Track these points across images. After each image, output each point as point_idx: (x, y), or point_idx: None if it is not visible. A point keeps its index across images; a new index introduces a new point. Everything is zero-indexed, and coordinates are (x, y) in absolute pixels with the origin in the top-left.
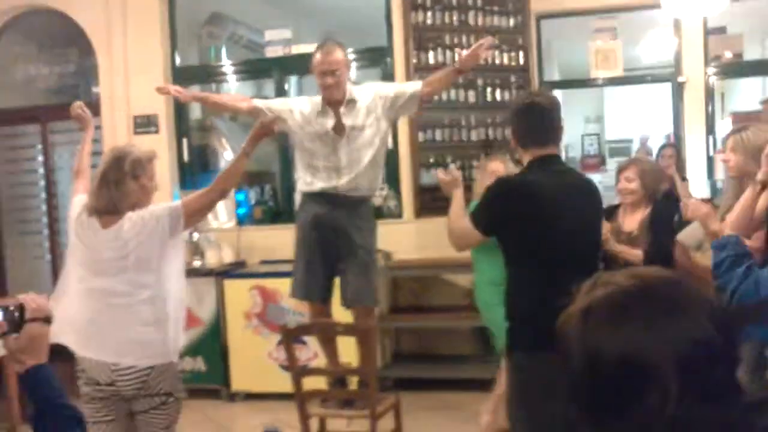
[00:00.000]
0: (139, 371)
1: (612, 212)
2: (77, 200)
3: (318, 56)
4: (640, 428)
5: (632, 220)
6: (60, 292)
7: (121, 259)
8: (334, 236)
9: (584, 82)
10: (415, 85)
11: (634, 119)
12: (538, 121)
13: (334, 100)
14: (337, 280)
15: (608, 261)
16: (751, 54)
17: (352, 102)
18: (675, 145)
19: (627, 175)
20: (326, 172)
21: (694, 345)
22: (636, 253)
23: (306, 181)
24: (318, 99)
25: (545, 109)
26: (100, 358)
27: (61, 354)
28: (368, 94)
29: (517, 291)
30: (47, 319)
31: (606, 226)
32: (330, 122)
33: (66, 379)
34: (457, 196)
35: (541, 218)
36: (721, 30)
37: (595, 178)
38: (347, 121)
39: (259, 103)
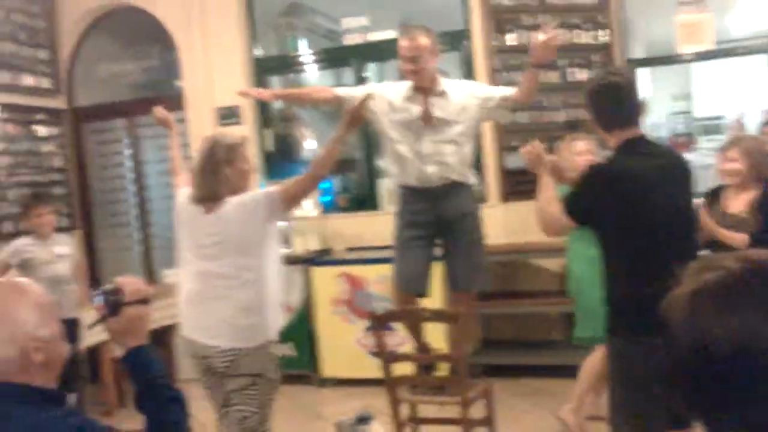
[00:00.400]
0: (229, 351)
1: (715, 194)
2: (181, 192)
3: (401, 42)
4: (755, 423)
5: (739, 202)
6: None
7: (223, 242)
8: (434, 229)
9: (671, 59)
10: (506, 90)
11: (726, 95)
12: (617, 101)
13: (423, 87)
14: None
15: (714, 246)
16: None
17: (444, 94)
18: None
19: (730, 155)
20: (411, 160)
21: None
22: (740, 237)
23: (397, 174)
24: (407, 85)
25: (623, 88)
26: (196, 337)
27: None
28: (463, 92)
29: (614, 277)
30: (145, 301)
31: (702, 212)
32: (417, 109)
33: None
34: (545, 179)
35: (637, 205)
36: None
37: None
38: (436, 112)
39: (340, 91)
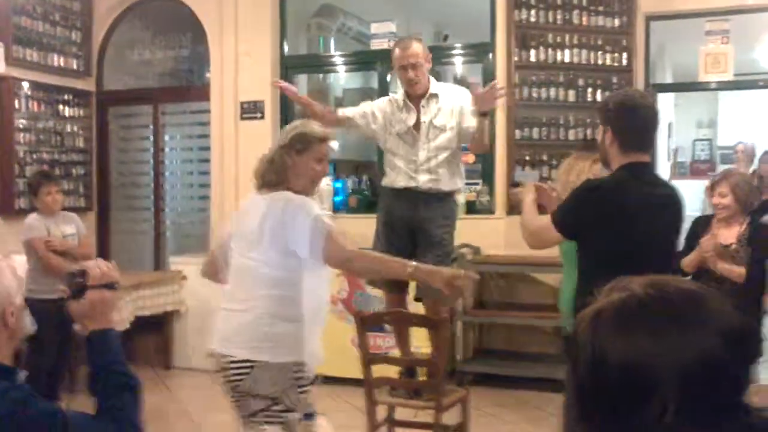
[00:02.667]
0: (243, 363)
1: (705, 224)
2: None
3: (397, 51)
4: None
5: (728, 234)
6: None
7: (266, 228)
8: (413, 232)
9: (693, 85)
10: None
11: (748, 126)
12: (644, 124)
13: (417, 95)
14: None
15: (702, 277)
16: None
17: (433, 96)
18: None
19: (720, 191)
20: (406, 171)
21: (701, 361)
22: (738, 272)
23: (389, 177)
24: (399, 95)
25: (653, 115)
26: (215, 347)
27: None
28: (455, 97)
29: (584, 296)
30: (110, 286)
31: (710, 243)
32: (412, 118)
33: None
34: (530, 199)
35: (624, 229)
36: None
37: (704, 183)
38: (425, 117)
39: (348, 112)
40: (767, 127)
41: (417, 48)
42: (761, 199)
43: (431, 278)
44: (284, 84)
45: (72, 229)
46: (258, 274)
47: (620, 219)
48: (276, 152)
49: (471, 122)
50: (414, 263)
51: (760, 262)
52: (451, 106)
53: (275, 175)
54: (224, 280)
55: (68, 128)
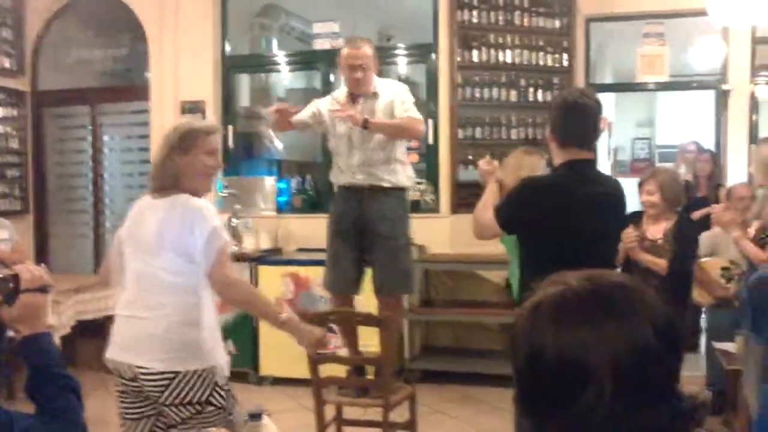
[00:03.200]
0: (164, 374)
1: (637, 218)
2: None
3: (346, 50)
4: (572, 427)
5: (656, 229)
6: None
7: (165, 234)
8: (363, 229)
9: (631, 86)
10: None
11: (684, 125)
12: (584, 121)
13: (359, 94)
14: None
15: (630, 268)
16: None
17: (373, 95)
18: (712, 152)
19: (648, 189)
20: (346, 170)
21: (633, 350)
22: (660, 264)
23: (335, 175)
24: (342, 93)
25: (593, 111)
26: (122, 358)
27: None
28: (392, 92)
29: (527, 290)
30: (42, 289)
31: (632, 235)
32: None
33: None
34: (492, 189)
35: (564, 224)
36: None
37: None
38: (365, 115)
39: (302, 116)
40: (703, 128)
41: (367, 50)
42: (695, 197)
43: (298, 335)
44: (283, 107)
45: (5, 234)
46: (160, 281)
47: (560, 215)
48: (166, 154)
49: (397, 113)
50: (286, 314)
51: (684, 257)
52: (386, 101)
53: (169, 178)
54: (116, 282)
55: (1, 129)
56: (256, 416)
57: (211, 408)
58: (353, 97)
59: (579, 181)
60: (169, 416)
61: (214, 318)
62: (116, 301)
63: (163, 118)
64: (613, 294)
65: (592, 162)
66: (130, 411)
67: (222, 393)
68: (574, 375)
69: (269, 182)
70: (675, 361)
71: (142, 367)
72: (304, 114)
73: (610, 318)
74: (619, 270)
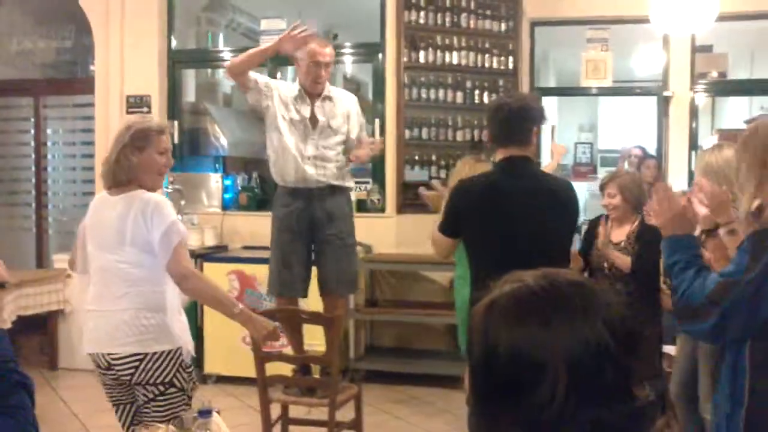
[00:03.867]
0: (132, 357)
1: (594, 223)
2: None
3: (315, 46)
4: (527, 423)
5: (620, 232)
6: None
7: (123, 230)
8: (308, 229)
9: (575, 90)
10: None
11: (626, 131)
12: (504, 121)
13: (314, 92)
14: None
15: (593, 269)
16: (737, 74)
17: (328, 99)
18: (655, 157)
19: (609, 192)
20: (294, 157)
21: (587, 348)
22: (627, 261)
23: (277, 171)
24: (295, 85)
25: (512, 110)
26: (97, 349)
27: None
28: (348, 103)
29: (478, 290)
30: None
31: (601, 235)
32: (307, 110)
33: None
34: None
35: (498, 220)
36: (708, 48)
37: (585, 186)
38: (320, 116)
39: (257, 77)
40: (644, 133)
41: (331, 51)
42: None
43: (252, 326)
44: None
45: None
46: (124, 274)
47: (491, 211)
48: (119, 152)
49: (354, 133)
50: (241, 306)
51: (647, 259)
52: (343, 110)
53: (124, 174)
54: (80, 270)
55: None
56: (205, 413)
57: (173, 390)
58: (310, 96)
59: (509, 177)
60: (139, 398)
61: (178, 303)
62: (87, 297)
63: (108, 113)
64: (570, 293)
65: (526, 159)
66: (113, 399)
67: (185, 375)
68: (527, 372)
69: (215, 179)
70: (632, 362)
71: (113, 354)
72: (262, 79)
73: (565, 316)
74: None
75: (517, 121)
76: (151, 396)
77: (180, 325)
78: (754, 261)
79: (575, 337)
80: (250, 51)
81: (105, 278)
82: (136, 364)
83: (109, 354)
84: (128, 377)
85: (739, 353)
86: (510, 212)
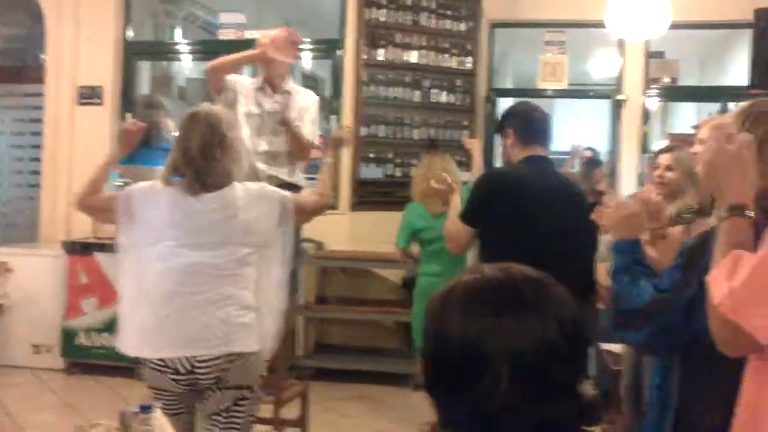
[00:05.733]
0: (221, 359)
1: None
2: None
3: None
4: (471, 413)
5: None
6: None
7: (224, 229)
8: None
9: (531, 92)
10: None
11: (579, 133)
12: (541, 123)
13: (275, 84)
14: None
15: None
16: (687, 80)
17: (287, 93)
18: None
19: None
20: (246, 152)
21: (534, 345)
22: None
23: None
24: (257, 79)
25: (546, 116)
26: (176, 353)
27: None
28: (308, 101)
29: None
30: None
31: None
32: (267, 102)
33: None
34: (454, 201)
35: (526, 214)
36: (660, 55)
37: None
38: (280, 109)
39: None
40: (597, 136)
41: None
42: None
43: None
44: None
45: None
46: (224, 269)
47: (521, 205)
48: (214, 145)
49: (307, 131)
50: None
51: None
52: (300, 105)
53: (219, 170)
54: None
55: None
56: (146, 408)
57: (253, 394)
58: (273, 87)
59: (536, 173)
60: (221, 401)
61: (276, 300)
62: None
63: (59, 103)
64: (524, 288)
65: (549, 158)
66: (173, 409)
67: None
68: (473, 361)
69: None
70: (580, 360)
71: (197, 357)
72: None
73: (515, 310)
74: None
75: (547, 123)
76: (239, 396)
77: (271, 324)
78: (686, 277)
79: (524, 332)
80: (238, 56)
81: (193, 277)
82: (226, 366)
83: (192, 357)
84: (213, 380)
85: (669, 370)
86: (538, 208)
